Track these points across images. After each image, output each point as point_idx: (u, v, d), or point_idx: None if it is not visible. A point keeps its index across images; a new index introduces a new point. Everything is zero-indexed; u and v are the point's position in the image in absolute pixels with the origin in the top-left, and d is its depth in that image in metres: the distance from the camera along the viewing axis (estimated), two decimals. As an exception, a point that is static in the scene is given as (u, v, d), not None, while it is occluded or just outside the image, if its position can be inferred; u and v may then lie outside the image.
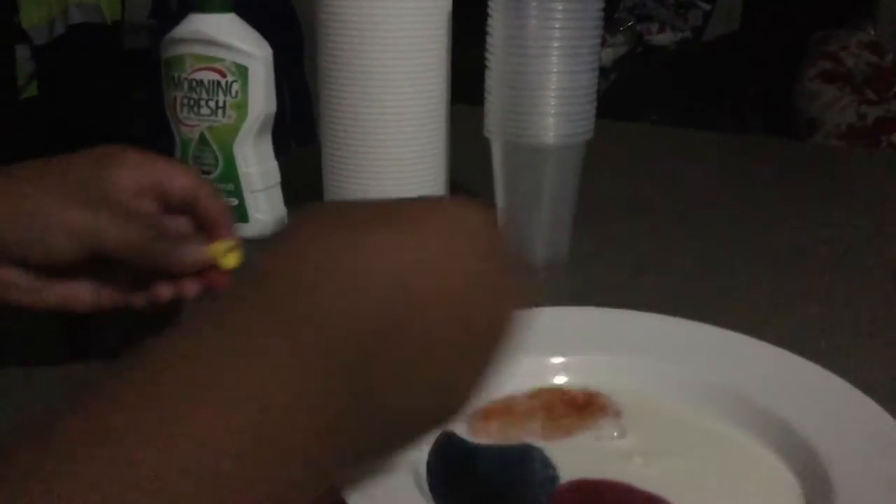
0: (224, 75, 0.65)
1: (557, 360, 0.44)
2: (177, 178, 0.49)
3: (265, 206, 0.70)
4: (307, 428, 0.25)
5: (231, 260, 0.48)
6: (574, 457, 0.38)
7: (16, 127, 2.15)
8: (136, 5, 2.47)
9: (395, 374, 0.27)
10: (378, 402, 0.27)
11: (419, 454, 0.38)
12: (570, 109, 0.60)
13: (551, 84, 0.60)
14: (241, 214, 0.69)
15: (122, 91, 2.39)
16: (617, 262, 0.68)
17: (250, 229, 0.70)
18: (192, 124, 0.67)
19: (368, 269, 0.27)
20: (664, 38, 2.48)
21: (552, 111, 0.60)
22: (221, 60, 0.65)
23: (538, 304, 0.33)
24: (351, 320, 0.26)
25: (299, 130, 2.39)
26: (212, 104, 0.66)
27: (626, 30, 2.41)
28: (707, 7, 2.59)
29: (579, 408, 0.41)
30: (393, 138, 0.66)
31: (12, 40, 2.20)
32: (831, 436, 0.37)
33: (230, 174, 0.68)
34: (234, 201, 0.69)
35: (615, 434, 0.40)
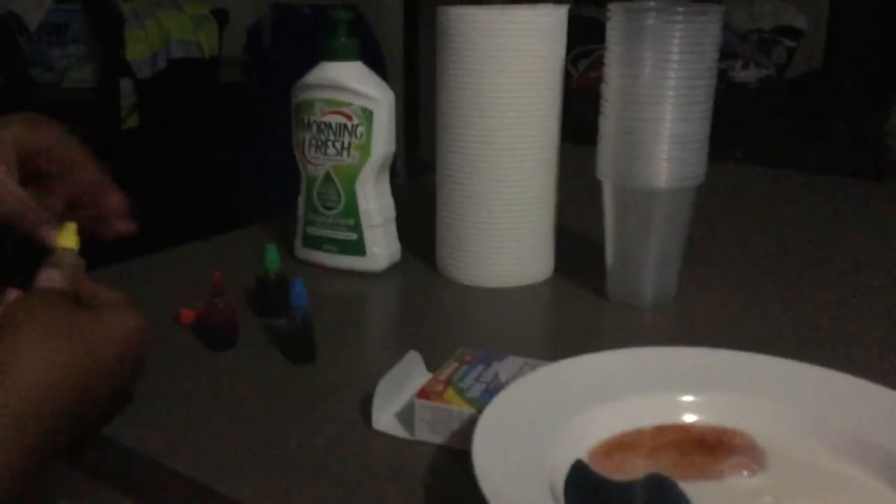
0: (350, 118, 0.70)
1: (686, 398, 0.46)
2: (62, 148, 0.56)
3: (382, 241, 0.73)
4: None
5: (65, 240, 0.53)
6: (704, 492, 0.40)
7: (117, 156, 2.27)
8: (232, 41, 2.58)
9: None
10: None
11: (558, 481, 0.41)
12: (682, 155, 0.63)
13: (664, 131, 0.62)
14: (360, 248, 0.73)
15: (216, 122, 2.50)
16: (724, 303, 0.69)
17: (368, 263, 0.74)
18: (318, 163, 0.72)
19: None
20: (748, 75, 2.47)
21: (664, 156, 0.63)
22: (349, 105, 0.70)
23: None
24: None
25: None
26: (338, 145, 0.71)
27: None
28: (791, 44, 2.57)
29: (710, 447, 0.43)
30: (508, 177, 0.69)
31: (117, 73, 2.34)
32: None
33: (351, 210, 0.72)
34: (354, 236, 0.73)
35: (745, 473, 0.41)
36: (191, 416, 0.51)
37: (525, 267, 0.72)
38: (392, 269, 0.75)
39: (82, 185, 0.59)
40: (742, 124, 2.27)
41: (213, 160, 2.45)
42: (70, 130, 0.59)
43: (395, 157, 0.74)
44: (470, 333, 0.64)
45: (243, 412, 0.52)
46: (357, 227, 0.73)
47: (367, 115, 0.70)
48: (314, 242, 0.75)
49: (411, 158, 2.96)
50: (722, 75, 2.52)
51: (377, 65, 2.54)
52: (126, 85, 2.35)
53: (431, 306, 0.70)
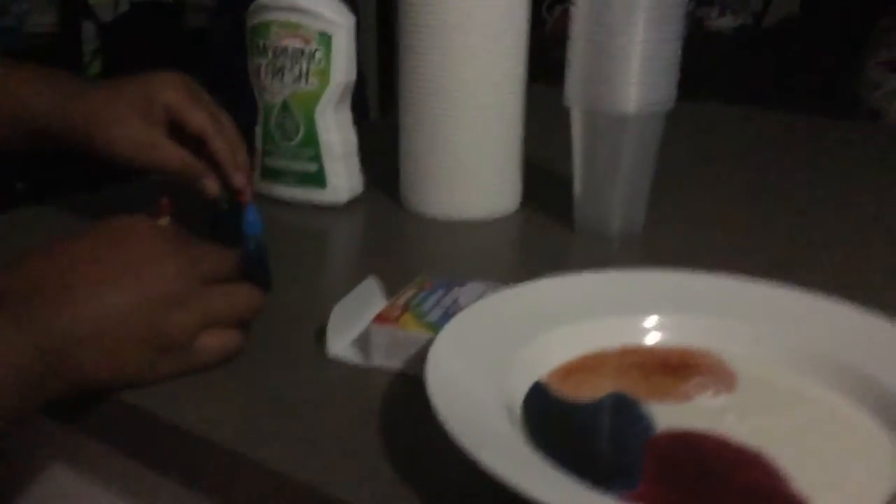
0: (308, 43, 0.67)
1: (651, 320, 0.45)
2: (194, 113, 0.59)
3: (343, 173, 0.71)
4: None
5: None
6: (668, 411, 0.39)
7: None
8: (198, -16, 2.50)
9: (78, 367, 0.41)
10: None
11: (515, 403, 0.39)
12: (652, 78, 0.60)
13: (635, 52, 0.60)
14: (320, 181, 0.71)
15: (181, 68, 2.43)
16: (691, 235, 0.68)
17: (328, 195, 0.71)
18: (275, 91, 0.69)
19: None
20: (724, 23, 2.44)
21: (634, 80, 0.60)
22: (306, 28, 0.66)
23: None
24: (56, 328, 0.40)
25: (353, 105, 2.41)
26: (295, 71, 0.68)
27: (686, 14, 2.38)
28: (769, -9, 2.54)
29: (674, 368, 0.42)
30: (471, 107, 0.66)
31: (79, 16, 2.26)
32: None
33: (311, 141, 0.69)
34: (314, 168, 0.70)
35: (710, 393, 0.40)
36: (138, 345, 0.49)
37: (490, 198, 0.70)
38: (354, 203, 0.73)
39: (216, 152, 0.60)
40: (717, 72, 2.24)
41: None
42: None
43: (367, 96, 0.71)
44: (433, 264, 0.62)
45: (193, 341, 0.50)
46: (317, 159, 0.70)
47: (326, 40, 0.67)
48: (273, 175, 0.72)
49: (386, 98, 2.85)
50: (698, 23, 2.49)
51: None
52: (88, 29, 2.27)
53: (394, 238, 0.68)
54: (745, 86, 2.21)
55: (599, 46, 0.60)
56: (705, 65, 2.28)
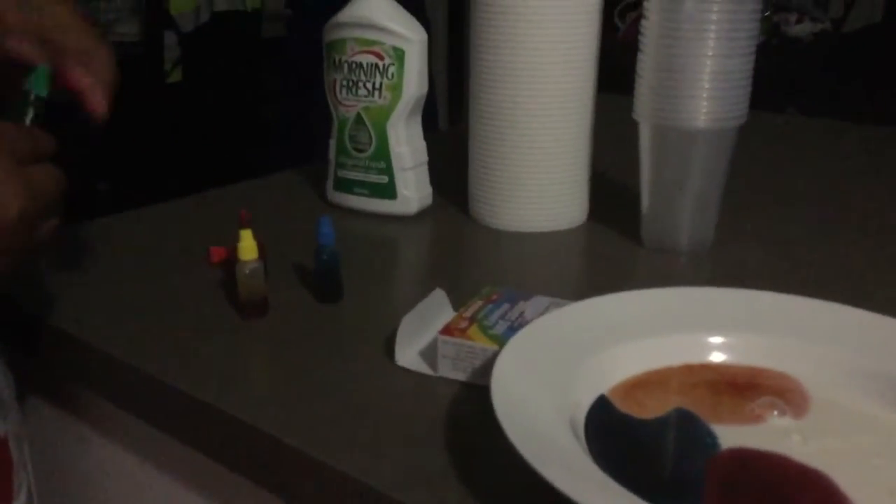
0: (382, 58, 0.69)
1: (716, 338, 0.45)
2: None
3: (413, 184, 0.72)
4: None
5: (246, 254, 0.55)
6: (733, 430, 0.39)
7: (162, 110, 2.29)
8: (275, -5, 2.56)
9: None
10: None
11: (579, 417, 0.40)
12: (723, 93, 0.60)
13: (706, 67, 0.60)
14: (391, 191, 0.72)
15: (258, 77, 2.50)
16: (762, 253, 0.67)
17: (399, 207, 0.73)
18: (349, 105, 0.71)
19: None
20: (802, 29, 2.38)
21: (705, 94, 0.60)
22: (381, 44, 0.68)
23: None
24: None
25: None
26: (369, 85, 0.70)
27: (763, 20, 2.33)
28: (850, -4, 2.47)
29: (740, 387, 0.42)
30: (540, 121, 0.67)
31: (161, 27, 2.35)
32: None
33: (382, 152, 0.71)
34: (385, 179, 0.72)
35: (775, 413, 0.40)
36: (216, 350, 0.52)
37: (557, 212, 0.70)
38: (423, 214, 0.74)
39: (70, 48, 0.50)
40: (796, 79, 2.19)
41: (255, 115, 2.45)
42: None
43: (437, 108, 0.73)
44: (499, 276, 0.63)
45: (269, 348, 0.52)
46: (388, 170, 0.72)
47: (399, 55, 0.68)
48: (345, 186, 0.74)
49: (456, 109, 2.88)
50: (775, 29, 2.44)
51: (420, 11, 2.50)
52: (170, 38, 2.36)
53: (461, 250, 0.69)
54: (824, 95, 2.15)
55: (669, 60, 0.60)
56: (782, 72, 2.23)
